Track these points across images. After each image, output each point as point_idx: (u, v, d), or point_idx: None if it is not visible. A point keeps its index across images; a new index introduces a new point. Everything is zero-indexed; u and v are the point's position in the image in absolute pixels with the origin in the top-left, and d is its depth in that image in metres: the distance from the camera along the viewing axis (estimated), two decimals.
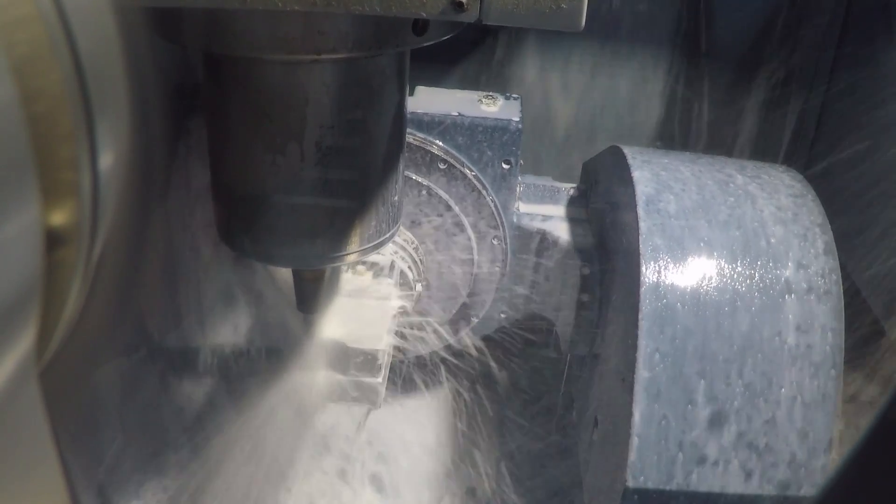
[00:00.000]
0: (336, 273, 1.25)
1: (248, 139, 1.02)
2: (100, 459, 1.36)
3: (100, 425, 1.35)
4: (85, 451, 1.32)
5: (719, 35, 2.02)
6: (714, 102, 2.05)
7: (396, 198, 1.14)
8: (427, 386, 1.60)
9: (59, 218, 0.43)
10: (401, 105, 1.10)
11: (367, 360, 1.22)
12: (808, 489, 1.06)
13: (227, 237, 1.12)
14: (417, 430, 1.60)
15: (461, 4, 0.79)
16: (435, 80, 1.52)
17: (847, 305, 1.69)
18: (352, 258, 1.11)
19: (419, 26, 0.97)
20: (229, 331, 1.46)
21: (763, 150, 2.08)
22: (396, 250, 1.43)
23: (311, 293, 1.19)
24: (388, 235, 1.14)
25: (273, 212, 1.06)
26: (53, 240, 0.42)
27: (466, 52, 1.99)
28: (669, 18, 2.03)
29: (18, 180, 0.38)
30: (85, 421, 1.28)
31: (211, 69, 1.03)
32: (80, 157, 0.43)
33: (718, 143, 2.05)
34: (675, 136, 2.09)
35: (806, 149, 2.08)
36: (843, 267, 1.77)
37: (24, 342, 0.40)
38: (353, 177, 1.07)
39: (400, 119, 1.10)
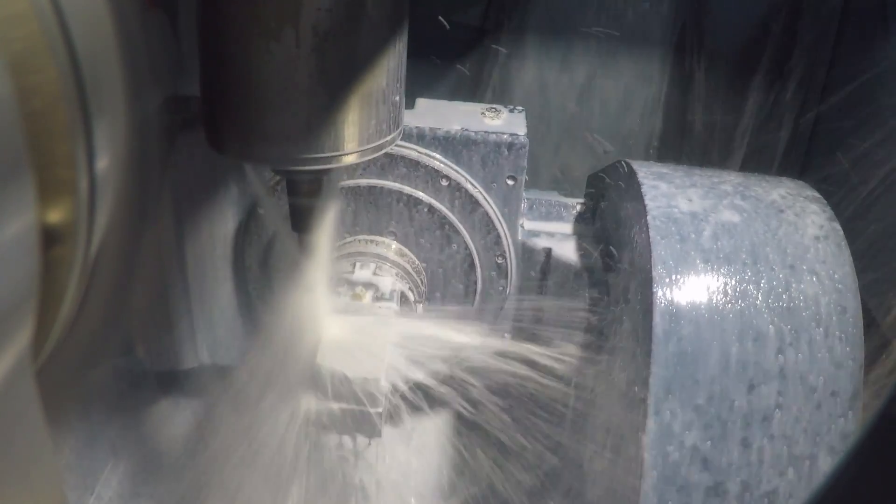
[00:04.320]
0: (332, 189, 1.20)
1: (240, 23, 0.98)
2: (92, 483, 1.35)
3: (93, 445, 1.34)
4: (78, 472, 1.31)
5: (716, 37, 2.03)
6: (711, 104, 2.05)
7: (398, 98, 1.10)
8: (425, 409, 1.59)
9: (55, 216, 0.42)
10: None
11: (366, 389, 1.18)
12: None
13: (217, 138, 1.05)
14: (414, 452, 1.58)
15: None
16: (432, 80, 1.51)
17: None
18: (350, 159, 1.06)
19: None
20: (223, 348, 1.45)
21: (760, 152, 2.08)
22: (397, 271, 1.40)
23: (306, 210, 1.14)
24: (388, 138, 1.08)
25: (266, 105, 0.99)
26: (50, 238, 0.42)
27: (464, 52, 1.99)
28: (666, 20, 2.03)
29: (14, 177, 0.38)
30: (78, 438, 1.27)
31: None
32: (77, 155, 0.43)
33: (715, 145, 2.06)
34: (671, 137, 2.09)
35: (803, 149, 2.08)
36: None
37: (21, 340, 0.39)
38: (352, 67, 1.02)
39: (402, 8, 1.06)
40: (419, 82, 1.47)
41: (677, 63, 2.05)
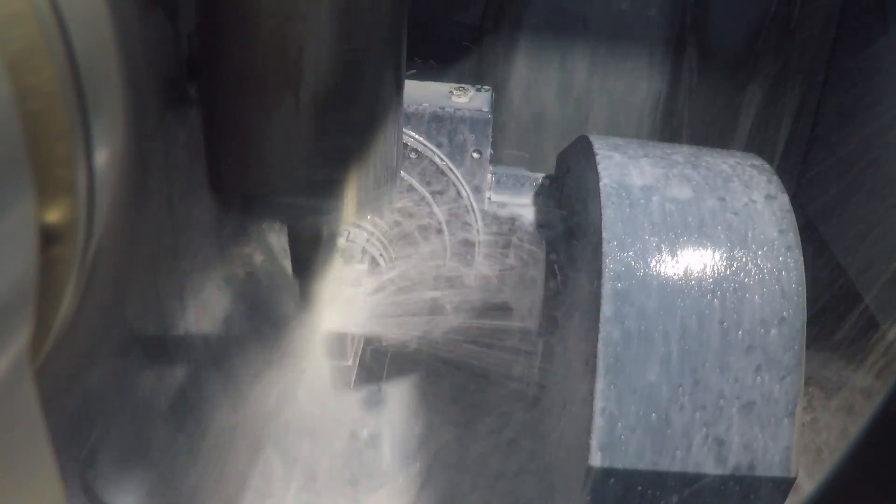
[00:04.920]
0: (333, 236, 1.24)
1: (242, 88, 1.00)
2: (84, 452, 1.36)
3: (86, 418, 1.36)
4: (70, 444, 1.32)
5: (714, 34, 2.03)
6: (709, 101, 2.05)
7: (395, 152, 1.12)
8: (395, 375, 1.63)
9: (54, 215, 0.43)
10: (399, 47, 1.07)
11: (338, 343, 1.24)
12: (776, 468, 1.09)
13: (220, 190, 1.09)
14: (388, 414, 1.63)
15: None
16: (430, 79, 1.53)
17: (841, 298, 1.70)
18: (349, 214, 1.09)
19: None
20: (211, 320, 1.46)
21: (759, 149, 2.08)
22: (368, 237, 1.44)
23: (307, 256, 1.17)
24: (387, 192, 1.12)
25: (267, 164, 1.03)
26: (49, 237, 0.42)
27: (462, 51, 2.00)
28: (664, 17, 2.03)
29: (13, 177, 0.38)
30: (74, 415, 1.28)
31: (205, 7, 1.00)
32: (76, 155, 0.43)
33: (713, 143, 2.06)
34: (669, 137, 2.09)
35: (802, 148, 2.08)
36: (837, 261, 1.77)
37: (20, 339, 0.39)
38: (352, 126, 1.05)
39: (399, 71, 1.08)
40: (417, 80, 1.47)
41: (675, 63, 2.05)
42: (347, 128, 1.03)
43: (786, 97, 2.06)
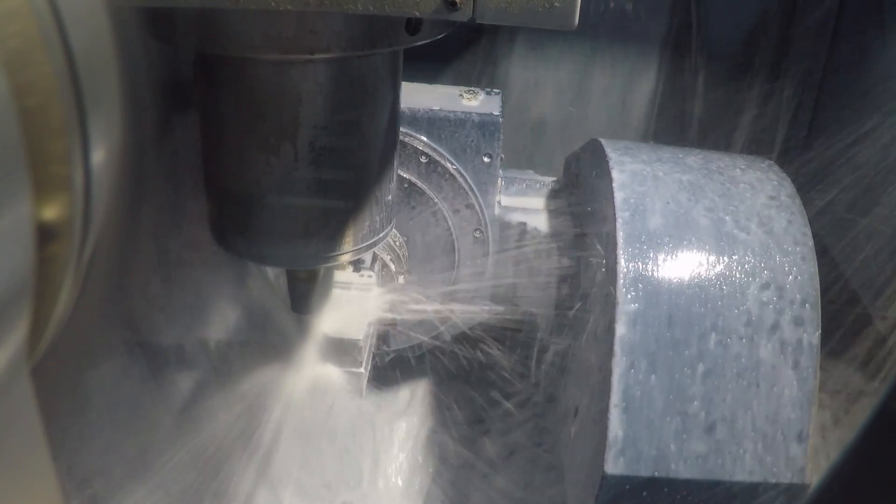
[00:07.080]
0: (330, 273, 1.25)
1: (241, 139, 1.02)
2: (86, 454, 1.36)
3: (86, 419, 1.35)
4: (71, 446, 1.32)
5: (712, 33, 2.03)
6: (707, 100, 2.05)
7: (390, 197, 1.14)
8: (410, 378, 1.63)
9: (51, 212, 0.42)
10: (394, 104, 1.09)
11: (349, 350, 1.23)
12: (789, 475, 1.08)
13: (221, 238, 1.12)
14: (403, 420, 1.63)
15: (454, 3, 0.79)
16: (428, 79, 1.52)
17: (837, 295, 1.70)
18: (346, 258, 1.11)
19: (412, 25, 0.97)
20: (217, 325, 1.46)
21: (757, 149, 2.08)
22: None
23: (304, 293, 1.19)
24: (381, 235, 1.14)
25: (267, 212, 1.05)
26: (45, 234, 0.42)
27: (460, 50, 1.99)
28: (662, 16, 2.03)
29: (10, 174, 0.38)
30: (72, 415, 1.28)
31: (204, 69, 1.02)
32: (73, 152, 0.43)
33: (712, 142, 2.06)
34: (669, 135, 2.09)
35: (800, 146, 2.09)
36: (833, 258, 1.77)
37: (17, 337, 0.39)
38: (347, 176, 1.07)
39: (393, 118, 1.10)
40: (414, 80, 1.47)
41: (674, 61, 2.05)
42: (344, 175, 1.05)
43: (784, 97, 2.06)
